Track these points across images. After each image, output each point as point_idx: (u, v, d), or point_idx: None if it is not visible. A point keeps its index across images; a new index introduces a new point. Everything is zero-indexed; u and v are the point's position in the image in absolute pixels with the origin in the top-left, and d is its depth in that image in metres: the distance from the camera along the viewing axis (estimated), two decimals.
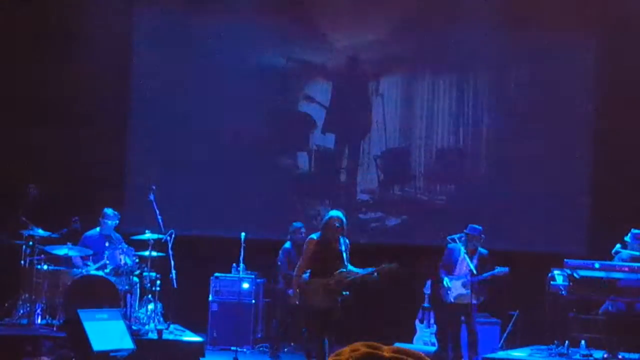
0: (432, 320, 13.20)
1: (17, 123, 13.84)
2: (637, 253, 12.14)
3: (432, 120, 14.62)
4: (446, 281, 12.17)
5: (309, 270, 10.92)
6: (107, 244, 12.86)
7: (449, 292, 12.17)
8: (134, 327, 11.95)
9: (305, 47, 14.72)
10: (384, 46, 14.65)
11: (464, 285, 12.05)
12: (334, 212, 11.04)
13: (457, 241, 12.13)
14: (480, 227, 12.26)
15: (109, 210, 12.97)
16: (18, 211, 12.39)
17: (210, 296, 13.41)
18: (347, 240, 11.01)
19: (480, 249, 12.29)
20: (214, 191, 14.49)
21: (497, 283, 12.23)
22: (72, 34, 14.23)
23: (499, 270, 12.13)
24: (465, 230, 12.24)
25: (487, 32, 14.36)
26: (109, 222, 12.95)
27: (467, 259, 12.09)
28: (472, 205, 14.19)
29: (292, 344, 13.43)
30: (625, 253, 12.18)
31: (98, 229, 13.02)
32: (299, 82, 14.82)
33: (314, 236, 11.05)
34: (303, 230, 13.03)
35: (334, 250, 10.81)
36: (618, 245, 12.22)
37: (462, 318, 12.23)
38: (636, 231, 12.20)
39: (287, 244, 13.19)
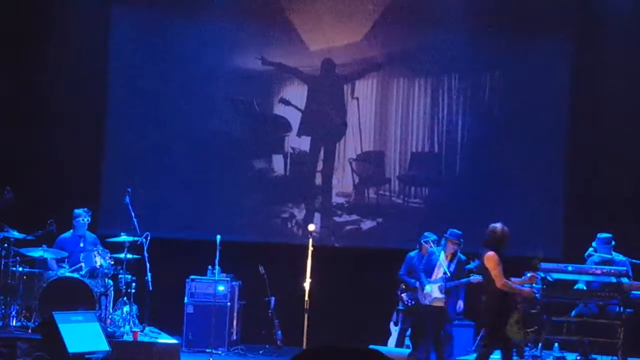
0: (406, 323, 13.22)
1: None
2: (608, 256, 12.25)
3: (407, 124, 14.68)
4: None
5: None
6: (81, 245, 12.85)
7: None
8: (109, 329, 11.96)
9: (281, 50, 14.73)
10: (360, 50, 14.69)
11: (440, 289, 12.12)
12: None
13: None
14: (459, 232, 12.31)
15: (78, 210, 12.93)
16: None
17: (185, 298, 13.42)
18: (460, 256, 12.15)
19: (460, 255, 12.36)
20: (189, 194, 14.49)
21: (473, 287, 12.29)
22: (48, 35, 14.21)
23: (474, 277, 12.19)
24: (445, 235, 12.31)
25: (462, 37, 14.46)
26: (80, 219, 12.90)
27: (444, 264, 12.14)
28: (446, 209, 14.25)
29: (266, 345, 13.47)
30: (597, 256, 12.29)
31: (71, 230, 13.00)
32: (274, 84, 14.83)
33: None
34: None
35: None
36: (590, 249, 12.33)
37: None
38: (602, 235, 12.30)
39: (413, 253, 13.04)
